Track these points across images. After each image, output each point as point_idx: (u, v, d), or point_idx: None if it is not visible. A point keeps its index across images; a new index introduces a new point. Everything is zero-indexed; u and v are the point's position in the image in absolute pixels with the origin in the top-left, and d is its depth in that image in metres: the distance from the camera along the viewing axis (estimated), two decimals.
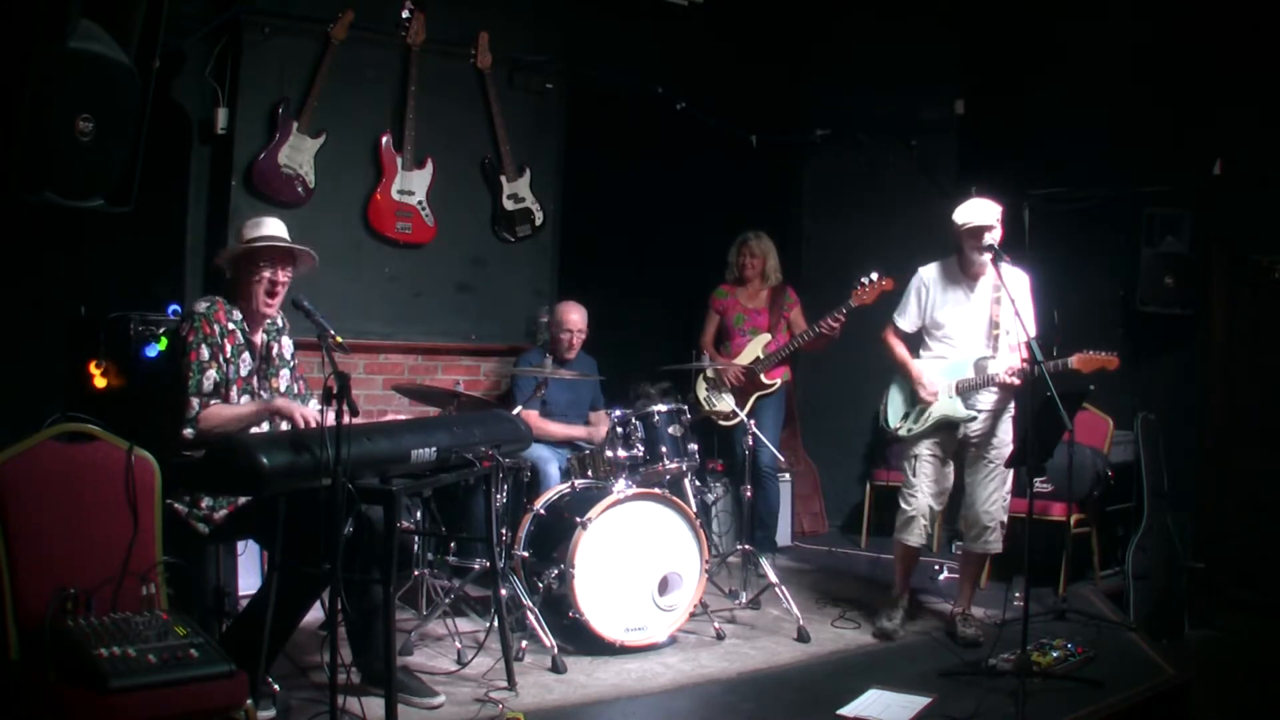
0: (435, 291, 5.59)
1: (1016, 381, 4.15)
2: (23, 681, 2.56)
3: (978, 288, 4.42)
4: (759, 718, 3.60)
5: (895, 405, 4.57)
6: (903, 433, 4.50)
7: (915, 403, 4.46)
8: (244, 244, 3.46)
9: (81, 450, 2.89)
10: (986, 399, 4.39)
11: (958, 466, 4.50)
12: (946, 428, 4.42)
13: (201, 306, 3.40)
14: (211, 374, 3.32)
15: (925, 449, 4.46)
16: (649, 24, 6.18)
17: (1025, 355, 3.89)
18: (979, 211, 4.27)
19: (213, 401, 3.32)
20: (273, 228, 3.52)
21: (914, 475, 4.47)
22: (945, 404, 4.38)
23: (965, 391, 4.36)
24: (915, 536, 4.49)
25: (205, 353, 3.32)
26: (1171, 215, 5.79)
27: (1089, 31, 5.94)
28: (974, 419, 4.38)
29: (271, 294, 3.47)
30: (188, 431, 3.27)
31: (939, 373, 4.42)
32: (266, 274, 3.45)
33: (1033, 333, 4.19)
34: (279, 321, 3.62)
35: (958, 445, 4.46)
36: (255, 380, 3.49)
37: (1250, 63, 5.50)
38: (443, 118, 5.51)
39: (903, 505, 4.52)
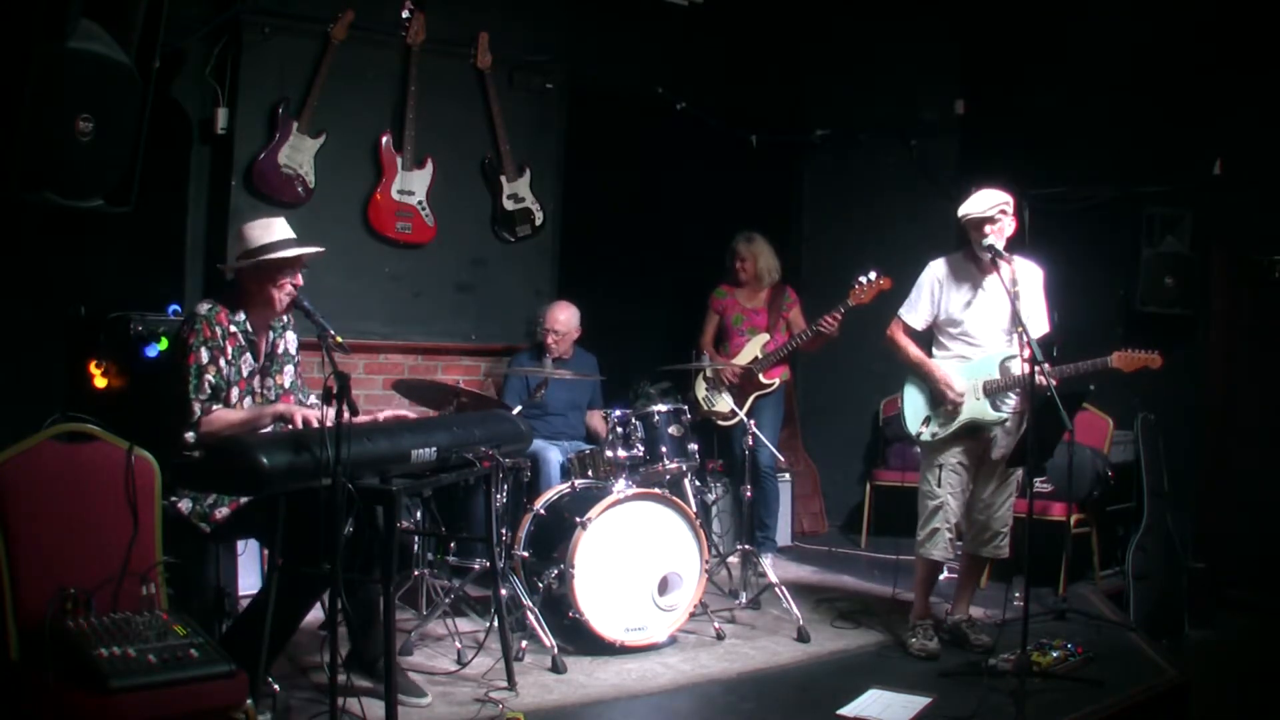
0: (435, 291, 5.59)
1: (1054, 381, 3.71)
2: (23, 681, 2.56)
3: (990, 281, 4.15)
4: (759, 718, 3.60)
5: (914, 408, 4.24)
6: (925, 437, 4.18)
7: (937, 405, 4.17)
8: (269, 256, 3.42)
9: (81, 450, 2.89)
10: (1011, 401, 4.14)
11: (974, 471, 4.25)
12: (973, 432, 4.15)
13: (203, 309, 3.40)
14: (210, 377, 3.32)
15: (953, 457, 4.16)
16: (649, 24, 6.18)
17: (1027, 354, 3.77)
18: (976, 203, 4.05)
19: (215, 406, 3.32)
20: (284, 230, 3.51)
21: (939, 485, 4.16)
22: (973, 406, 4.10)
23: (993, 393, 4.10)
24: (941, 550, 4.20)
25: (205, 355, 3.32)
26: (1171, 215, 5.79)
27: (1089, 31, 5.94)
28: (1004, 421, 4.12)
29: (290, 296, 3.48)
30: (189, 435, 3.27)
31: (961, 373, 4.15)
32: (288, 280, 3.46)
33: (1045, 330, 4.13)
34: (284, 318, 3.63)
35: (982, 450, 4.19)
36: (257, 381, 3.50)
37: (1250, 63, 5.50)
38: (443, 118, 5.51)
39: (926, 517, 4.21)
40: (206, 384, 3.31)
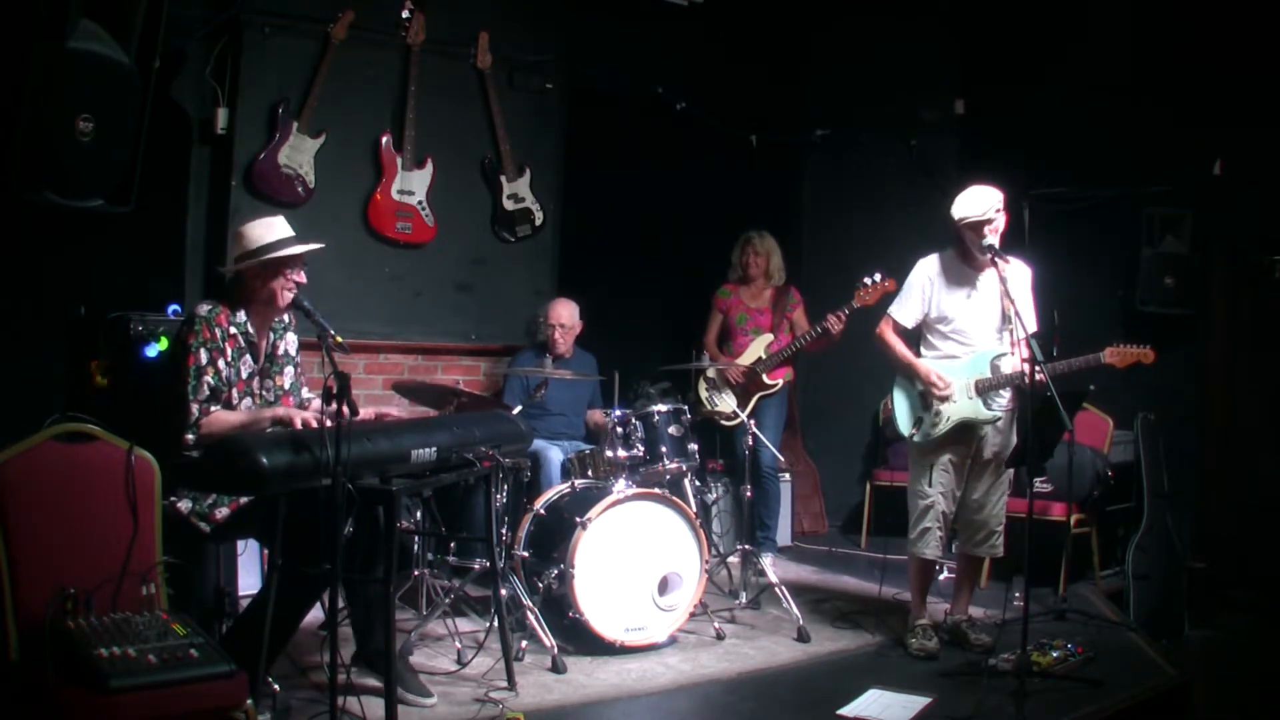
0: (435, 291, 5.59)
1: (1042, 378, 3.69)
2: (23, 681, 2.56)
3: (983, 280, 4.17)
4: (759, 718, 3.60)
5: (905, 409, 4.25)
6: (918, 439, 4.19)
7: (928, 405, 4.16)
8: (272, 254, 3.42)
9: (81, 450, 2.89)
10: (1004, 399, 4.15)
11: (965, 470, 4.25)
12: (965, 431, 4.15)
13: (203, 310, 3.39)
14: (208, 378, 3.32)
15: (945, 456, 4.17)
16: (649, 24, 6.18)
17: (1025, 353, 3.79)
18: (976, 204, 4.04)
19: (213, 408, 3.32)
20: (284, 229, 3.51)
21: (929, 485, 4.18)
22: (966, 405, 4.11)
23: (985, 391, 4.11)
24: (933, 549, 4.20)
25: (204, 357, 3.32)
26: (1171, 215, 5.79)
27: (1089, 31, 5.95)
28: (998, 420, 4.13)
29: (293, 292, 3.48)
30: (189, 436, 3.28)
31: (951, 372, 4.14)
32: (291, 277, 3.46)
33: (1033, 329, 4.09)
34: (285, 319, 3.63)
35: (972, 450, 4.20)
36: (256, 382, 3.49)
37: (1250, 63, 5.50)
38: (443, 118, 5.51)
39: (917, 516, 4.22)
40: (205, 385, 3.31)
